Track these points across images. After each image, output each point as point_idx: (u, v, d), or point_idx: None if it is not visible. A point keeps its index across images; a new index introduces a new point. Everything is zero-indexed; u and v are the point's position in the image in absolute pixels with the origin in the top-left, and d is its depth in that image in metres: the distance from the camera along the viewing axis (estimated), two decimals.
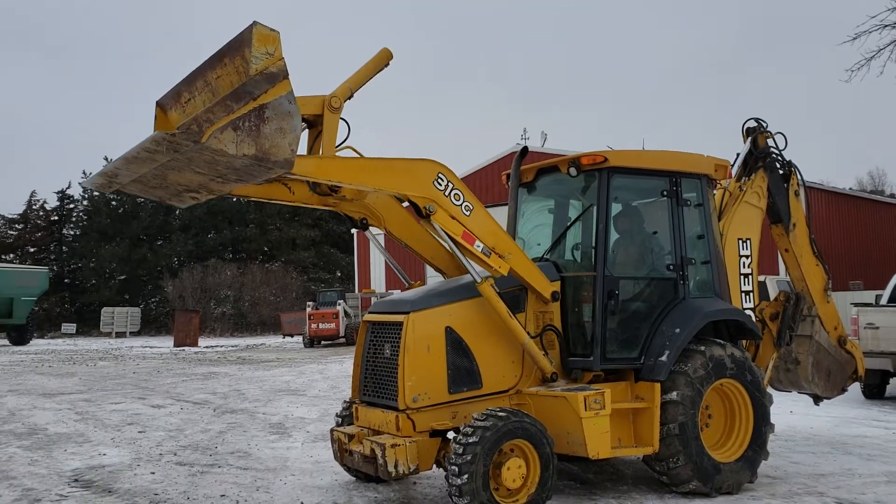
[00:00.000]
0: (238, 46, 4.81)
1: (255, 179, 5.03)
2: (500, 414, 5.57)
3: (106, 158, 54.47)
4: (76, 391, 14.74)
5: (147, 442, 9.26)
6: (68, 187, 53.80)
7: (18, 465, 8.00)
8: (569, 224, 7.18)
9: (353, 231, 36.84)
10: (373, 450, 5.80)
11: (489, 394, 6.16)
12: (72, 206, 53.99)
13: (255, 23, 4.73)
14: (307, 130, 5.74)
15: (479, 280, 5.87)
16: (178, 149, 4.57)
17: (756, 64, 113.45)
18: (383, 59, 5.88)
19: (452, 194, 5.77)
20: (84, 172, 54.82)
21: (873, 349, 10.97)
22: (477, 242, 5.86)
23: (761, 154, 7.99)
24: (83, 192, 52.77)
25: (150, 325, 47.59)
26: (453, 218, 5.77)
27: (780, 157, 8.16)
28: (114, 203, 51.82)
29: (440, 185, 5.71)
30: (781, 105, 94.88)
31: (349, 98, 5.71)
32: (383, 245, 6.96)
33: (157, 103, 5.57)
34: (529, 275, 6.22)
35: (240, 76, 4.82)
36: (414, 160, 5.71)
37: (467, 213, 5.83)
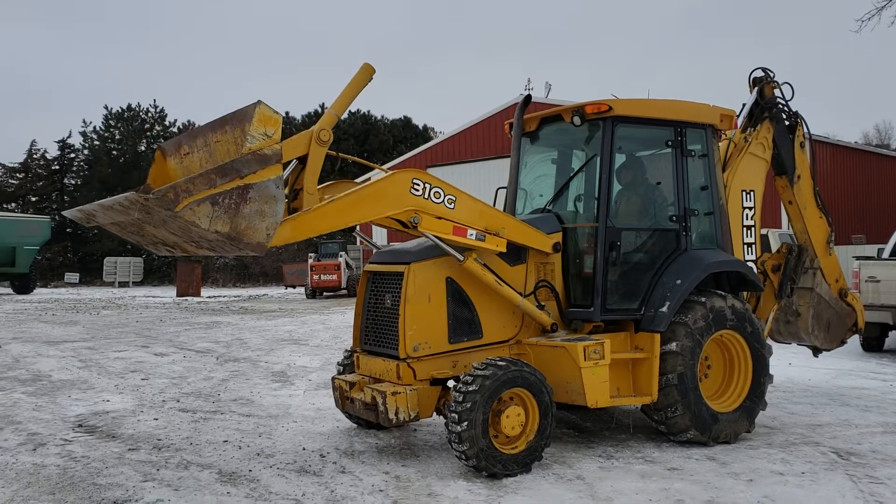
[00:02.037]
0: (240, 119, 4.84)
1: (226, 254, 5.00)
2: (500, 363, 5.60)
3: (106, 107, 54.05)
4: (80, 339, 14.86)
5: (150, 389, 9.35)
6: (69, 136, 53.54)
7: (23, 410, 8.09)
8: (572, 175, 7.12)
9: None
10: (374, 397, 5.85)
11: (489, 343, 6.19)
12: (72, 155, 53.70)
13: (259, 102, 4.73)
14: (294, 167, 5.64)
15: (461, 259, 5.87)
16: (150, 212, 4.54)
17: (764, 14, 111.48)
18: (366, 76, 5.78)
19: (432, 194, 5.70)
20: (84, 121, 54.47)
21: (874, 302, 10.99)
22: (469, 231, 5.84)
23: (767, 104, 7.87)
24: (83, 141, 52.45)
25: (153, 276, 47.78)
26: (440, 218, 5.73)
27: (786, 108, 8.04)
28: (115, 153, 51.56)
29: (417, 190, 5.64)
30: (788, 56, 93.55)
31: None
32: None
33: (159, 147, 5.73)
34: (526, 239, 6.23)
35: (237, 147, 4.83)
36: (384, 179, 5.59)
37: (451, 207, 5.79)
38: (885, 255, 12.24)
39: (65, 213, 5.89)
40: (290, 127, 53.58)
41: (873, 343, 11.95)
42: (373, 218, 5.59)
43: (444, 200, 5.75)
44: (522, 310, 6.21)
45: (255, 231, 4.65)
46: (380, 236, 31.13)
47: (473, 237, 5.85)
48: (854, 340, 10.19)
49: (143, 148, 52.56)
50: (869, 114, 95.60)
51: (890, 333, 12.10)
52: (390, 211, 5.57)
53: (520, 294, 6.19)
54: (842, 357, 10.95)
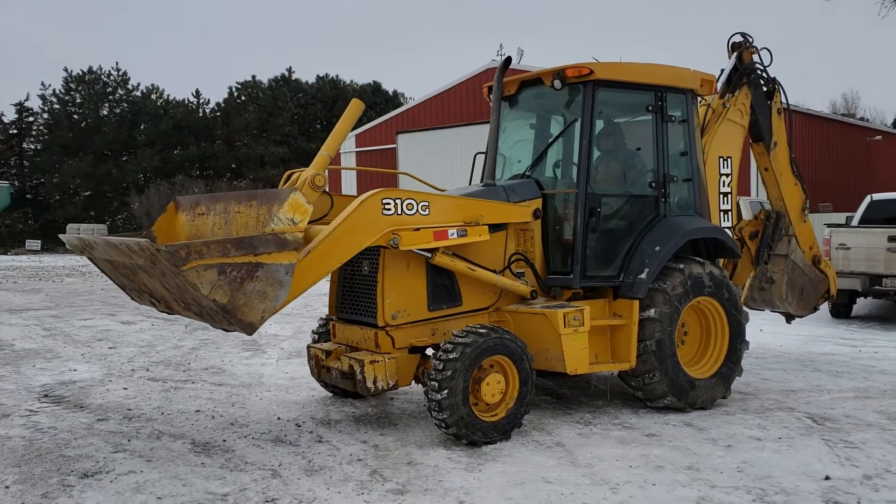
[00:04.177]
0: (271, 199, 4.94)
1: (213, 324, 4.94)
2: (481, 330, 5.52)
3: (66, 70, 52.48)
4: (43, 307, 14.52)
5: (118, 358, 9.15)
6: (26, 99, 51.87)
7: None
8: (551, 140, 7.01)
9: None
10: (351, 366, 5.74)
11: (469, 311, 6.11)
12: (31, 119, 52.16)
13: (296, 190, 4.81)
14: None
15: (429, 256, 5.76)
16: (155, 262, 4.50)
17: None
18: (356, 113, 5.86)
19: (405, 207, 5.58)
20: (42, 84, 52.90)
21: (844, 269, 11.11)
22: (450, 231, 5.76)
23: (746, 70, 7.80)
24: (42, 104, 50.98)
25: None
26: (418, 229, 5.61)
27: (764, 74, 7.99)
28: (76, 117, 50.21)
29: (389, 209, 5.50)
30: (761, 23, 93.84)
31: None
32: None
33: (175, 199, 5.91)
34: (506, 217, 6.18)
35: (257, 222, 4.95)
36: (354, 211, 5.37)
37: (426, 213, 5.69)
38: (855, 222, 12.37)
39: (63, 237, 5.88)
40: (258, 91, 52.69)
41: (842, 309, 12.12)
42: (354, 254, 5.43)
43: (417, 210, 5.64)
44: (500, 286, 6.15)
45: (251, 310, 4.61)
46: None
47: (455, 236, 5.78)
48: (823, 307, 10.30)
49: (105, 112, 51.23)
50: (836, 83, 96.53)
51: (858, 300, 12.28)
52: (368, 240, 5.44)
53: (495, 272, 6.13)
54: (811, 323, 11.08)
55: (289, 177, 5.85)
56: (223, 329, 4.98)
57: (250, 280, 4.56)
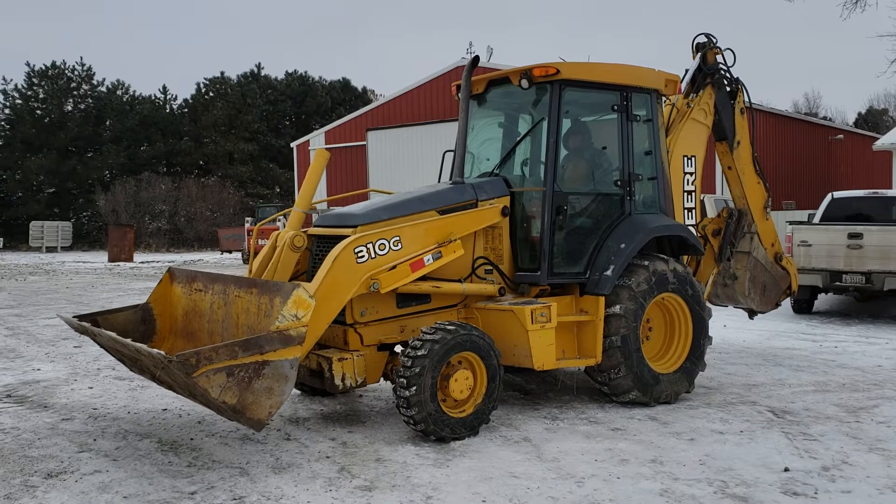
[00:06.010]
0: (273, 290, 5.10)
1: (219, 413, 5.03)
2: (449, 327, 5.56)
3: (28, 64, 51.45)
4: (6, 306, 14.28)
5: (83, 357, 9.05)
6: None
7: None
8: (519, 139, 7.07)
9: (293, 145, 36.03)
10: (319, 363, 5.75)
11: (438, 308, 6.15)
12: None
13: (299, 285, 4.90)
14: None
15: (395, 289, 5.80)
16: (167, 369, 4.58)
17: None
18: (322, 163, 6.02)
19: (377, 249, 5.63)
20: (3, 78, 51.83)
21: (805, 266, 11.34)
22: (426, 258, 5.81)
23: (710, 70, 7.93)
24: (4, 99, 49.99)
25: (83, 240, 46.24)
26: (394, 267, 5.66)
27: (728, 74, 8.13)
28: (38, 112, 49.30)
29: (362, 257, 5.54)
30: (725, 22, 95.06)
31: None
32: None
33: (170, 269, 6.22)
34: (476, 224, 6.23)
35: (258, 310, 5.17)
36: (329, 270, 5.37)
37: (398, 248, 5.73)
38: (816, 220, 12.62)
39: (64, 319, 6.03)
40: (226, 87, 52.20)
41: (804, 305, 12.37)
42: (339, 308, 5.49)
43: (389, 247, 5.69)
44: (467, 293, 6.20)
45: (259, 407, 4.68)
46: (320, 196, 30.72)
47: (431, 261, 5.83)
48: (785, 303, 10.51)
49: (69, 107, 50.41)
50: (798, 83, 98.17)
51: (819, 296, 12.53)
52: (349, 294, 5.49)
53: (461, 280, 6.18)
54: (774, 319, 11.30)
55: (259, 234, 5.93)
56: (229, 419, 5.06)
57: (257, 378, 4.63)
